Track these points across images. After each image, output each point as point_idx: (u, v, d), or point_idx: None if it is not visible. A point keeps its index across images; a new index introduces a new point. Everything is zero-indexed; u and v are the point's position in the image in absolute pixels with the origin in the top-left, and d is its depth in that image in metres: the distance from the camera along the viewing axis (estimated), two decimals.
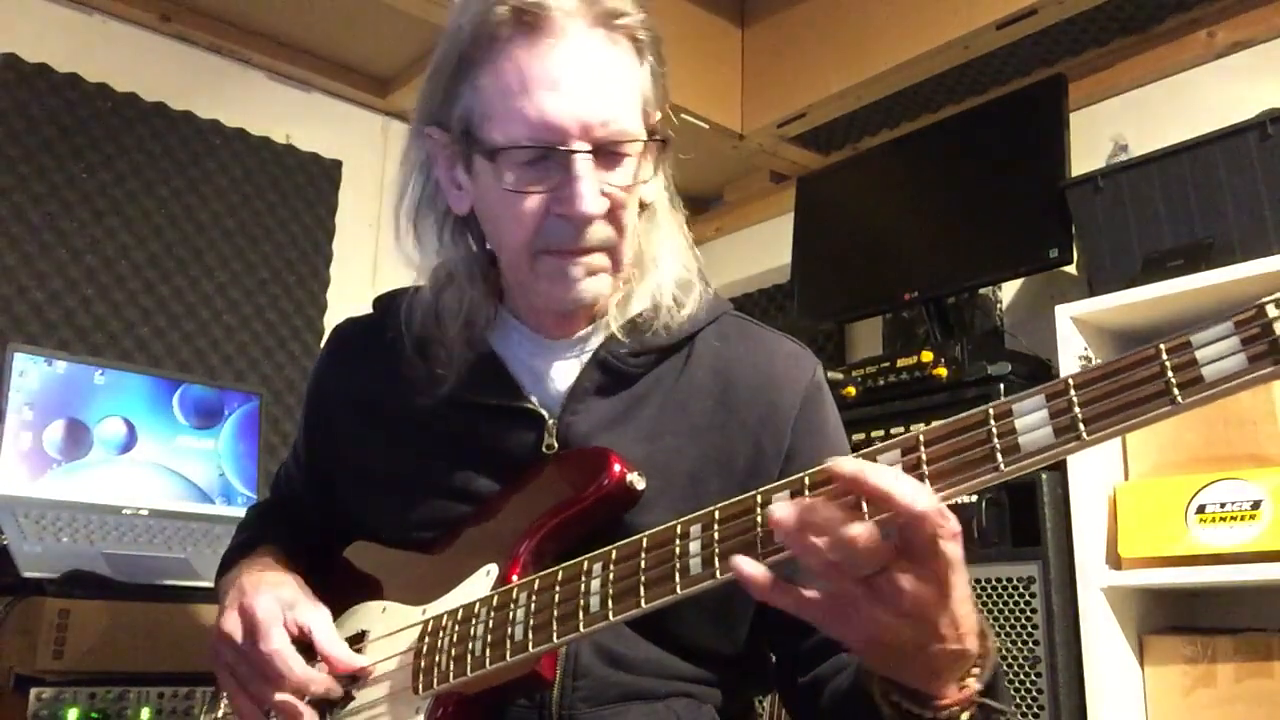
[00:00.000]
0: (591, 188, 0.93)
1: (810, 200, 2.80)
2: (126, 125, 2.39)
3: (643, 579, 0.80)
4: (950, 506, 0.70)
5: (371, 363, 1.12)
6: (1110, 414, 0.64)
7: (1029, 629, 1.90)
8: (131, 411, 2.01)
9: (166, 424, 2.05)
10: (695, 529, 0.79)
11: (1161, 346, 0.63)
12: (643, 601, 0.80)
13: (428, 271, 1.08)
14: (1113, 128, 2.32)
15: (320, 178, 2.71)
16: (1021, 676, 1.89)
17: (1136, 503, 1.88)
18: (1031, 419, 0.67)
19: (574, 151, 0.92)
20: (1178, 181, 1.98)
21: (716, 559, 0.77)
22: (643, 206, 1.04)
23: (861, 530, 0.67)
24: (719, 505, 0.79)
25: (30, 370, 1.90)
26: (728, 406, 1.03)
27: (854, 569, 0.69)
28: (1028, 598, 1.91)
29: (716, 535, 0.77)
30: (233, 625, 0.98)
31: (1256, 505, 1.74)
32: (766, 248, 3.10)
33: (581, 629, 0.83)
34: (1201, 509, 1.79)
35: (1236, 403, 1.82)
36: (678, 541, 0.79)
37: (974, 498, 1.97)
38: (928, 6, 2.46)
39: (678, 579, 0.78)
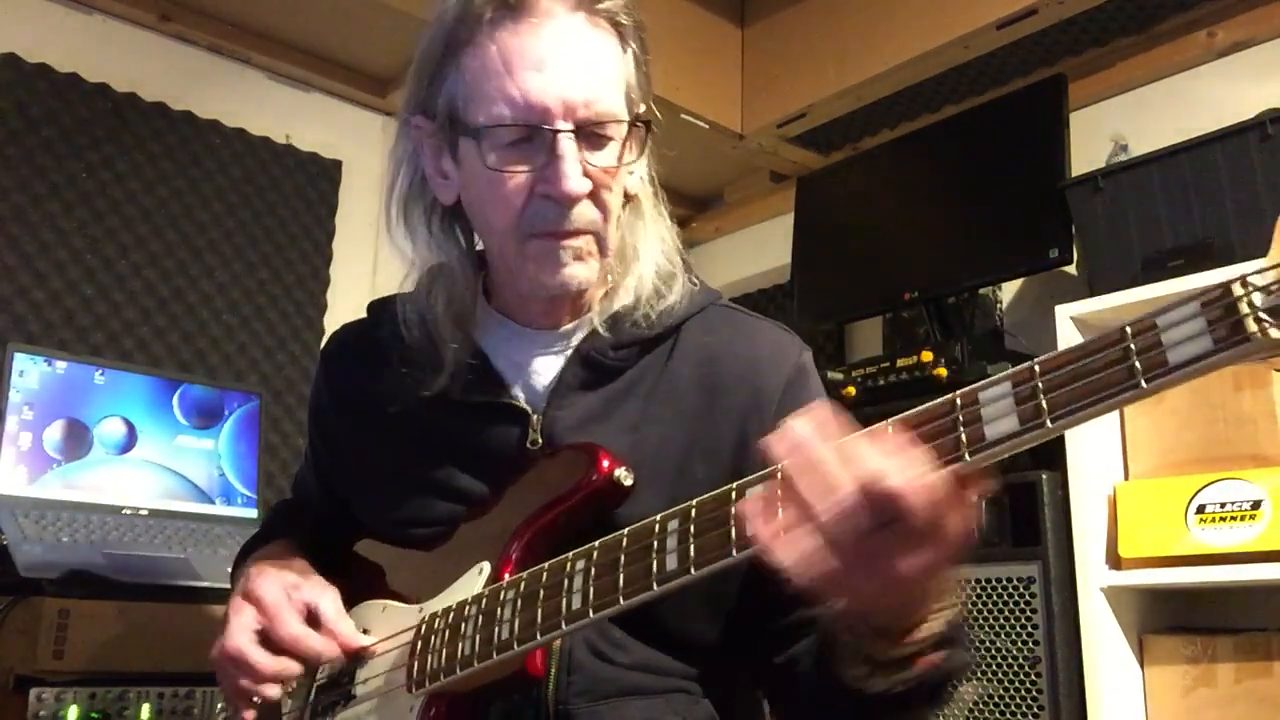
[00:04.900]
0: (575, 168, 0.93)
1: (810, 200, 2.80)
2: (126, 125, 2.39)
3: (621, 576, 0.80)
4: None
5: (363, 366, 1.13)
6: (1074, 401, 0.61)
7: (1029, 629, 1.90)
8: (131, 411, 2.01)
9: (166, 424, 2.05)
10: (673, 524, 0.78)
11: (1128, 329, 0.60)
12: (621, 599, 0.80)
13: (420, 264, 1.08)
14: (1113, 128, 2.31)
15: (320, 178, 2.70)
16: (1021, 676, 1.89)
17: (1136, 503, 1.88)
18: (997, 407, 0.64)
19: (557, 131, 0.93)
20: (1178, 181, 1.98)
21: (691, 556, 0.76)
22: (627, 198, 1.04)
23: (845, 483, 0.65)
24: (697, 500, 0.78)
25: (30, 370, 1.91)
26: (713, 394, 1.03)
27: (842, 518, 0.66)
28: (1028, 598, 1.91)
29: (692, 530, 0.77)
30: (237, 610, 1.00)
31: (1256, 505, 1.74)
32: (766, 248, 3.10)
33: (564, 627, 0.83)
34: (1201, 509, 1.79)
35: (1237, 402, 1.82)
36: (655, 537, 0.79)
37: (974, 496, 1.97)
38: (928, 6, 2.46)
39: (654, 576, 0.78)
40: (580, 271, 0.98)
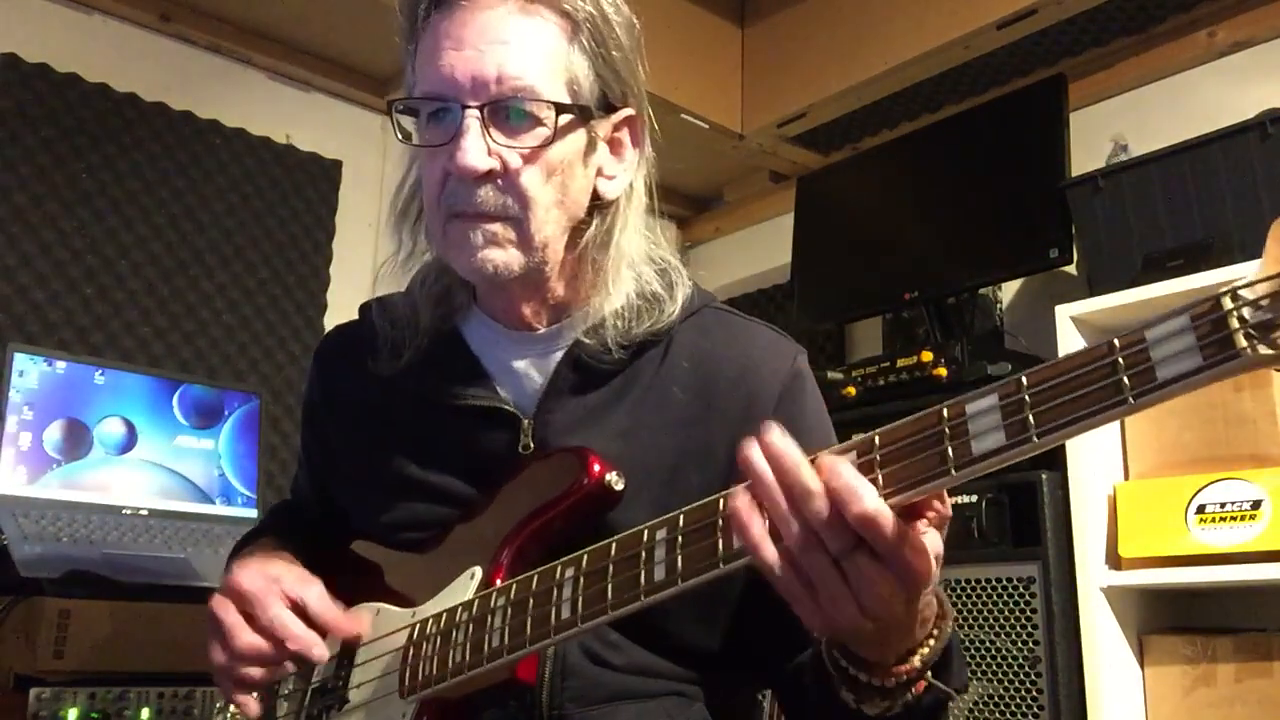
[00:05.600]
0: (475, 143, 0.92)
1: (810, 200, 2.80)
2: (126, 125, 2.39)
3: (610, 586, 0.80)
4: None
5: (353, 367, 1.13)
6: (1061, 416, 0.61)
7: (1029, 629, 1.90)
8: (131, 411, 2.01)
9: (166, 424, 2.05)
10: (661, 533, 0.78)
11: (1116, 343, 0.59)
12: (610, 609, 0.79)
13: (415, 261, 1.08)
14: (1113, 128, 2.32)
15: (320, 178, 2.70)
16: (1021, 676, 1.89)
17: (1136, 503, 1.88)
18: (984, 421, 0.64)
19: (465, 106, 0.93)
20: (1178, 181, 1.98)
21: (679, 567, 0.76)
22: (601, 201, 1.02)
23: (820, 501, 0.67)
24: (685, 509, 0.78)
25: (30, 370, 1.90)
26: (707, 398, 1.02)
27: (818, 533, 0.68)
28: (1028, 598, 1.91)
29: (680, 540, 0.76)
30: (221, 605, 0.99)
31: (1256, 505, 1.74)
32: (766, 248, 3.10)
33: (553, 636, 0.83)
34: (1201, 509, 1.79)
35: (1237, 402, 1.82)
36: (644, 547, 0.79)
37: (974, 497, 1.97)
38: (928, 6, 2.46)
39: (642, 587, 0.78)
40: (496, 256, 0.95)
